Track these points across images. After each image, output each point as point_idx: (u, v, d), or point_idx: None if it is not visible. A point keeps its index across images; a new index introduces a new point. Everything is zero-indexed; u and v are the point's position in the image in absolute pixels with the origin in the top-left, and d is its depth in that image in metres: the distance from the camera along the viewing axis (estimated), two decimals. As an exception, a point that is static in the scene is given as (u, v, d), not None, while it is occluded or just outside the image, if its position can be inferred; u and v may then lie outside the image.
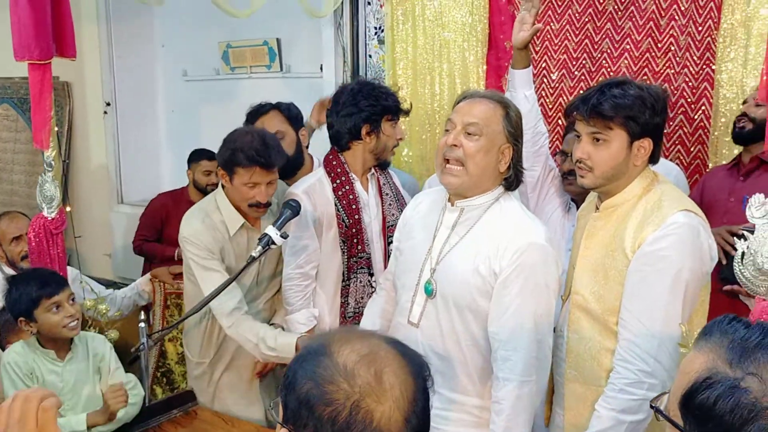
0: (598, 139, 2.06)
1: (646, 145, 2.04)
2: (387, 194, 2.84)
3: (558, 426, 2.25)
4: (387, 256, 2.74)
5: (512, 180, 2.17)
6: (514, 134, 2.13)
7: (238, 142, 2.68)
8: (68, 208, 3.30)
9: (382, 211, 2.83)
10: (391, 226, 2.71)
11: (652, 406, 1.15)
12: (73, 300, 2.60)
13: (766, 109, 1.87)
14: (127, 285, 3.64)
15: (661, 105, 2.05)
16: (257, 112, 3.25)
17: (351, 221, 2.76)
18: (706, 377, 1.03)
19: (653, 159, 2.10)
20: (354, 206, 2.77)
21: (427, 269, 2.22)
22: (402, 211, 2.60)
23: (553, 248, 2.10)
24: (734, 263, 1.87)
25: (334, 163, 2.82)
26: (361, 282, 2.80)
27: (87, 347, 2.66)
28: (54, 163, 2.96)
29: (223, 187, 2.84)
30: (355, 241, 2.77)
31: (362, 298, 2.79)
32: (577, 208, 2.71)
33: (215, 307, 2.74)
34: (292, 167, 3.13)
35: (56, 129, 2.99)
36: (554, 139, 3.61)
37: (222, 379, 2.98)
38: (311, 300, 2.86)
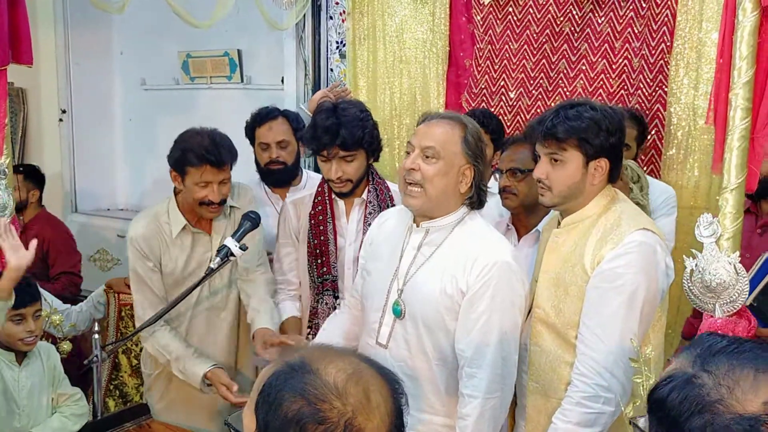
0: (555, 160, 2.11)
1: (602, 164, 2.10)
2: (370, 225, 2.66)
3: (521, 436, 2.29)
4: None
5: (475, 200, 2.19)
6: (474, 155, 2.14)
7: (188, 142, 2.68)
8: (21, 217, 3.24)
9: (361, 240, 2.71)
10: None
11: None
12: (37, 316, 2.60)
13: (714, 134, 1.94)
14: (85, 300, 3.59)
15: (616, 126, 2.11)
16: (266, 115, 3.28)
17: (317, 241, 2.75)
18: (666, 376, 1.07)
19: (612, 178, 2.15)
20: (322, 227, 2.75)
21: (395, 290, 2.23)
22: None
23: (518, 266, 2.14)
24: (683, 280, 1.93)
25: (324, 181, 2.80)
26: (327, 304, 2.78)
27: (41, 357, 2.64)
28: (7, 170, 2.91)
29: (174, 190, 2.81)
30: (319, 261, 2.77)
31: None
32: (517, 228, 2.76)
33: (138, 317, 2.76)
34: (289, 177, 3.15)
35: (10, 136, 2.94)
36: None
37: (175, 391, 2.94)
38: (297, 300, 2.86)
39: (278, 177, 3.28)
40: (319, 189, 2.81)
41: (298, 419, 1.08)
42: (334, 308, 2.75)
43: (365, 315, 2.37)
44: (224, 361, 2.91)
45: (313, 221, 2.77)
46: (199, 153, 2.63)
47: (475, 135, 2.16)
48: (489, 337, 2.08)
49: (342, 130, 2.54)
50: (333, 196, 2.76)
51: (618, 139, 2.12)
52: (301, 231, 2.82)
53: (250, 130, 3.32)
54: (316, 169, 3.33)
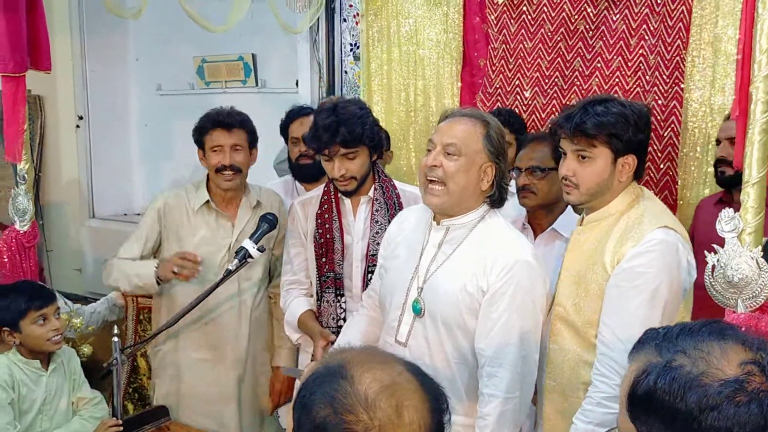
0: (583, 157, 2.09)
1: (630, 161, 2.07)
2: (378, 222, 2.72)
3: (539, 436, 2.27)
4: (366, 282, 2.71)
5: (496, 198, 2.19)
6: (496, 152, 2.14)
7: (206, 114, 2.93)
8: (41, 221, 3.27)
9: (369, 237, 2.75)
10: (374, 255, 2.67)
11: None
12: (58, 315, 2.63)
13: (737, 130, 1.92)
14: (97, 300, 3.60)
15: (644, 122, 2.09)
16: (298, 111, 3.43)
17: (323, 240, 2.76)
18: (642, 371, 1.10)
19: (638, 174, 2.14)
20: (328, 225, 2.76)
21: (414, 288, 2.23)
22: None
23: (539, 265, 2.13)
24: (705, 276, 1.91)
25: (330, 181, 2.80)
26: (328, 302, 2.78)
27: (64, 362, 2.67)
28: (27, 176, 2.94)
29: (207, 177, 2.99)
30: (323, 260, 2.77)
31: (332, 318, 2.77)
32: (533, 226, 2.75)
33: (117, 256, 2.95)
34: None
35: (29, 142, 2.97)
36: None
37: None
38: (310, 299, 2.87)
39: (307, 172, 3.32)
40: (326, 188, 2.82)
41: (324, 427, 1.08)
42: (338, 305, 2.76)
43: (384, 313, 2.37)
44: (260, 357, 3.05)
45: (319, 220, 2.78)
46: (211, 118, 2.89)
47: (497, 132, 2.15)
48: (509, 336, 2.07)
49: (341, 127, 2.55)
50: (339, 195, 2.77)
51: (646, 136, 2.10)
52: (309, 231, 2.83)
53: (284, 128, 3.45)
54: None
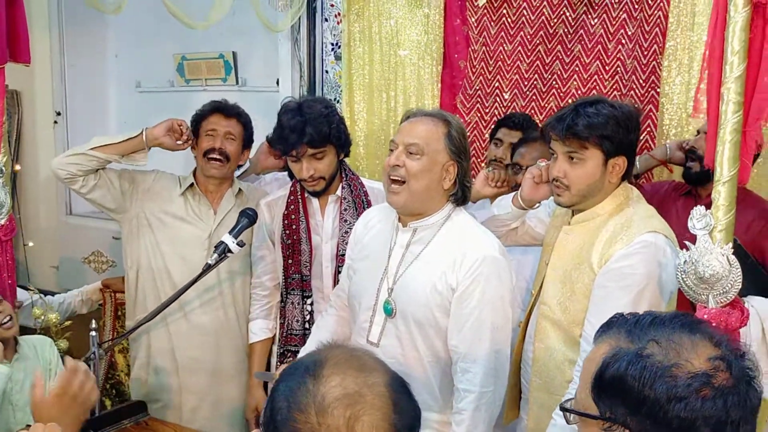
0: (573, 158, 2.11)
1: (620, 162, 2.11)
2: (347, 221, 2.73)
3: (521, 431, 2.30)
4: (336, 282, 2.72)
5: (459, 196, 2.21)
6: (457, 151, 2.16)
7: (206, 103, 3.02)
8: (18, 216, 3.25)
9: (338, 237, 2.77)
10: (343, 255, 2.68)
11: (562, 408, 1.22)
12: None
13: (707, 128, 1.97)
14: (72, 290, 3.57)
15: (634, 123, 2.13)
16: None
17: (290, 241, 2.76)
18: (612, 355, 1.13)
19: (627, 175, 2.17)
20: (294, 226, 2.76)
21: (385, 289, 2.25)
22: None
23: (506, 260, 2.16)
24: (676, 272, 1.96)
25: (296, 181, 2.82)
26: (293, 303, 2.79)
27: (36, 351, 2.64)
28: (5, 168, 2.92)
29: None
30: (290, 261, 2.77)
31: (296, 321, 2.79)
32: None
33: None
34: None
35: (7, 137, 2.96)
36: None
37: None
38: (271, 311, 2.88)
39: None
40: (292, 189, 2.82)
41: (274, 419, 1.08)
42: (302, 307, 2.77)
43: (354, 315, 2.38)
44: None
45: (286, 221, 2.79)
46: (211, 105, 3.02)
47: (458, 132, 2.17)
48: (481, 332, 2.11)
49: (308, 127, 2.56)
50: (306, 194, 2.77)
51: (635, 137, 2.14)
52: (276, 232, 2.83)
53: None
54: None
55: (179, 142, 2.90)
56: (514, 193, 2.48)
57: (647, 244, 2.02)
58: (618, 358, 1.12)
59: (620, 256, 2.02)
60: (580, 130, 2.08)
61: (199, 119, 2.99)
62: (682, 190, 3.00)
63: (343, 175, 2.76)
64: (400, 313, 2.21)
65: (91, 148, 2.84)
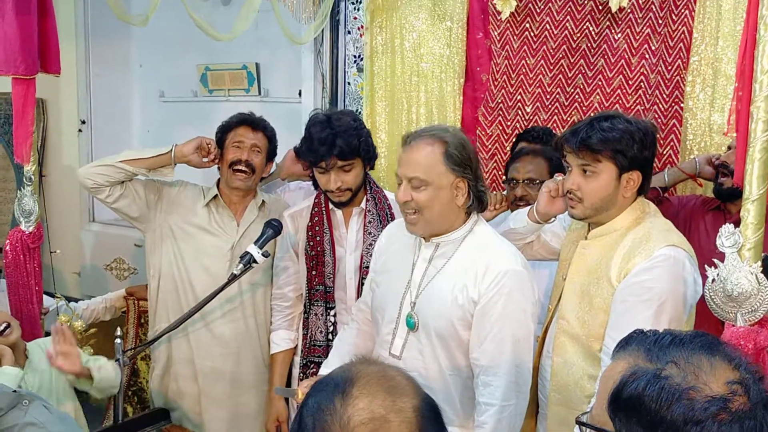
0: (587, 171, 2.12)
1: (635, 177, 2.11)
2: (371, 233, 2.74)
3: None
4: (359, 295, 2.72)
5: (475, 206, 2.21)
6: (461, 166, 2.14)
7: (233, 115, 3.04)
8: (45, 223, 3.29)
9: (362, 249, 2.77)
10: (367, 267, 2.69)
11: (578, 422, 1.22)
12: None
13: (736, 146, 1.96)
14: (96, 297, 3.60)
15: (650, 139, 2.12)
16: None
17: (313, 253, 2.78)
18: (630, 374, 1.12)
19: (643, 190, 2.17)
20: (318, 238, 2.77)
21: (408, 302, 2.25)
22: None
23: (528, 273, 2.16)
24: (705, 290, 1.95)
25: (321, 192, 2.83)
26: (316, 315, 2.80)
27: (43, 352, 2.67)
28: (33, 177, 2.97)
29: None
30: (313, 273, 2.79)
31: (319, 331, 2.80)
32: None
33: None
34: None
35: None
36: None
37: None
38: (293, 322, 2.89)
39: None
40: (316, 200, 2.83)
41: None
42: (326, 318, 2.78)
43: (377, 327, 2.39)
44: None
45: (310, 233, 2.80)
46: (239, 116, 3.04)
47: (458, 146, 2.14)
48: (503, 345, 2.11)
49: (338, 140, 2.57)
50: (330, 206, 2.78)
51: (651, 153, 2.13)
52: (299, 243, 2.85)
53: None
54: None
55: (205, 160, 2.93)
56: (529, 207, 2.48)
57: (667, 258, 2.02)
58: (636, 377, 1.12)
59: (640, 270, 2.02)
60: (594, 143, 2.09)
61: (225, 130, 3.01)
62: (710, 206, 2.99)
63: (368, 188, 2.77)
64: (422, 326, 2.22)
65: (120, 161, 2.87)
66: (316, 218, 2.79)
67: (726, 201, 2.90)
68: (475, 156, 2.20)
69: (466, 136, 2.22)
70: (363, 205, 2.76)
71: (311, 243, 2.77)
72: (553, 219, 2.43)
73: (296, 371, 2.89)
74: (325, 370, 2.47)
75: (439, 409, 1.15)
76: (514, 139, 3.59)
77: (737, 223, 2.81)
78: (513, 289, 2.11)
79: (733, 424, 1.05)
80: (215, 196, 3.00)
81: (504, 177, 3.17)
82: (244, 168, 2.91)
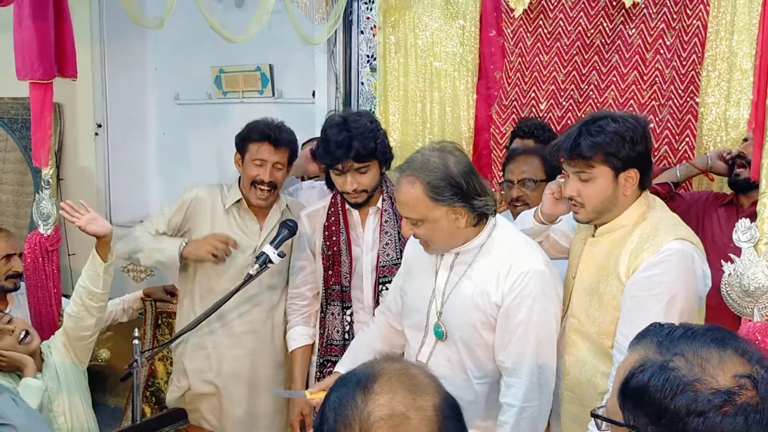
0: (583, 177, 2.12)
1: (632, 175, 2.10)
2: (387, 233, 2.75)
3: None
4: (377, 294, 2.74)
5: (482, 217, 2.18)
6: (450, 195, 2.10)
7: (256, 123, 2.94)
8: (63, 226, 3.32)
9: (378, 249, 2.77)
10: (384, 266, 2.71)
11: (593, 414, 1.23)
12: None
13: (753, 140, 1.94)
14: (114, 299, 3.63)
15: (641, 134, 2.10)
16: None
17: (330, 252, 2.78)
18: (639, 365, 1.14)
19: (644, 185, 2.16)
20: (335, 237, 2.78)
21: (434, 311, 2.27)
22: (401, 252, 2.62)
23: (551, 272, 2.16)
24: (721, 285, 1.94)
25: (337, 192, 2.83)
26: (333, 314, 2.81)
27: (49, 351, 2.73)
28: (51, 180, 2.99)
29: (239, 179, 3.00)
30: (330, 272, 2.79)
31: (336, 331, 2.80)
32: None
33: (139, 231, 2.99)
34: None
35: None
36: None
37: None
38: (310, 319, 2.89)
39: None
40: (332, 200, 2.84)
41: (321, 428, 1.10)
42: (342, 318, 2.79)
43: (406, 334, 2.42)
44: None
45: (326, 233, 2.81)
46: (261, 130, 2.89)
47: (442, 176, 2.10)
48: (525, 347, 2.11)
49: (354, 142, 2.57)
50: (347, 206, 2.79)
51: (645, 147, 2.12)
52: (316, 243, 2.85)
53: None
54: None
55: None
56: (535, 208, 2.48)
57: (675, 252, 2.01)
58: (644, 368, 1.13)
59: (649, 264, 2.02)
60: (584, 150, 2.08)
61: (246, 140, 2.93)
62: (722, 200, 2.97)
63: (384, 188, 2.78)
64: (449, 336, 2.23)
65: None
66: (333, 218, 2.80)
67: (741, 192, 2.89)
68: (467, 172, 2.13)
69: (456, 153, 2.17)
70: (379, 204, 2.77)
71: (328, 243, 2.78)
72: (559, 219, 2.42)
73: (313, 370, 2.90)
74: (340, 368, 2.48)
75: (461, 409, 1.15)
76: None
77: (751, 217, 2.82)
78: (535, 290, 2.11)
79: (738, 416, 1.05)
80: (238, 200, 2.98)
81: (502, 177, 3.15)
82: (266, 187, 2.89)
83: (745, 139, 2.93)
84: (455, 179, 2.11)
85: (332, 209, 2.81)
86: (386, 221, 2.75)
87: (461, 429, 1.14)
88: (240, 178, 3.01)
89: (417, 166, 2.14)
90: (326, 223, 2.80)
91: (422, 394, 1.11)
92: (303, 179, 3.51)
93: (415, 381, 1.12)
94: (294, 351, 2.89)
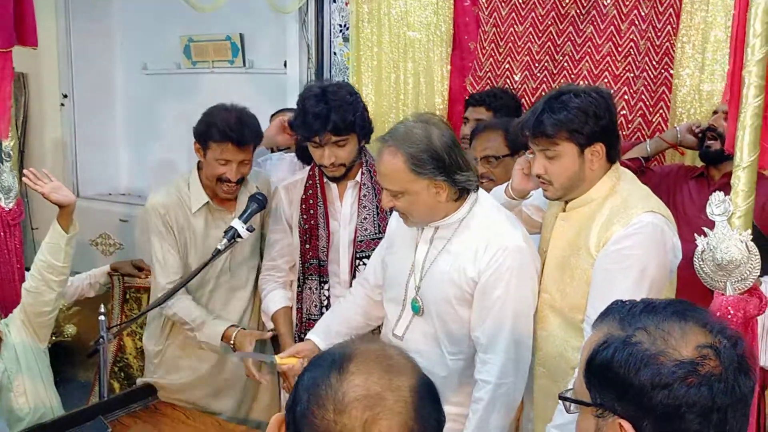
0: (548, 155, 2.09)
1: (598, 149, 2.07)
2: (365, 207, 2.69)
3: (528, 419, 2.29)
4: (353, 268, 2.70)
5: (463, 192, 2.16)
6: (432, 168, 2.07)
7: (215, 117, 2.69)
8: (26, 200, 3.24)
9: (356, 223, 2.72)
10: (361, 241, 2.67)
11: (560, 397, 1.24)
12: None
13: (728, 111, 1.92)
14: (80, 274, 3.56)
15: (604, 107, 2.07)
16: None
17: (307, 226, 2.74)
18: (602, 342, 1.14)
19: (612, 158, 2.13)
20: (312, 211, 2.73)
21: (412, 286, 2.25)
22: (380, 227, 2.60)
23: (530, 247, 2.14)
24: (694, 259, 1.93)
25: (315, 165, 2.76)
26: (311, 289, 2.77)
27: (8, 331, 2.67)
28: (12, 153, 2.91)
29: (198, 164, 2.83)
30: (307, 246, 2.75)
31: (314, 306, 2.76)
32: None
33: (160, 287, 2.75)
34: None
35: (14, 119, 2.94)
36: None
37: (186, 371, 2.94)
38: (287, 286, 2.84)
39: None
40: (310, 173, 2.78)
41: (294, 409, 1.07)
42: (320, 293, 2.74)
43: (384, 306, 2.40)
44: None
45: (303, 206, 2.75)
46: (222, 129, 2.64)
47: (425, 149, 2.07)
48: (503, 322, 2.10)
49: (333, 114, 2.50)
50: (325, 180, 2.74)
51: (609, 120, 2.08)
52: (293, 216, 2.80)
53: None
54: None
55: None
56: (506, 184, 2.45)
57: (646, 224, 1.99)
58: (607, 345, 1.13)
59: (619, 237, 1.99)
60: (546, 128, 2.05)
61: (206, 137, 2.69)
62: (693, 173, 2.97)
63: (363, 161, 2.72)
64: (426, 310, 2.22)
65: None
66: (310, 191, 2.75)
67: (711, 164, 2.88)
68: (450, 146, 2.10)
69: (440, 125, 2.14)
70: (358, 178, 2.71)
71: (305, 216, 2.73)
72: (530, 194, 2.40)
73: None
74: (312, 336, 2.46)
75: (437, 391, 1.13)
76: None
77: (721, 189, 2.81)
78: (513, 265, 2.10)
79: (702, 386, 1.06)
80: (206, 203, 2.82)
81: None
82: (233, 183, 2.74)
83: (715, 111, 2.91)
84: (438, 152, 2.08)
85: (310, 182, 2.76)
86: (365, 195, 2.70)
87: (437, 410, 1.11)
88: (199, 166, 2.83)
89: (400, 137, 2.10)
90: (303, 196, 2.75)
91: (398, 375, 1.08)
92: (273, 151, 3.44)
93: (391, 362, 1.10)
94: (276, 313, 2.79)
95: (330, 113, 2.50)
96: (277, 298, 2.82)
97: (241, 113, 2.72)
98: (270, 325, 2.85)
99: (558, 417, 2.01)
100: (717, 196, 1.90)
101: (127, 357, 3.61)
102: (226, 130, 2.64)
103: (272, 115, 3.61)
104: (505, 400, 2.12)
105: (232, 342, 2.71)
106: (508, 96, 3.38)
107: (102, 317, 2.59)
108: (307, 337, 2.49)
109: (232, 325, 2.74)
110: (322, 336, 2.45)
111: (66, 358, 3.74)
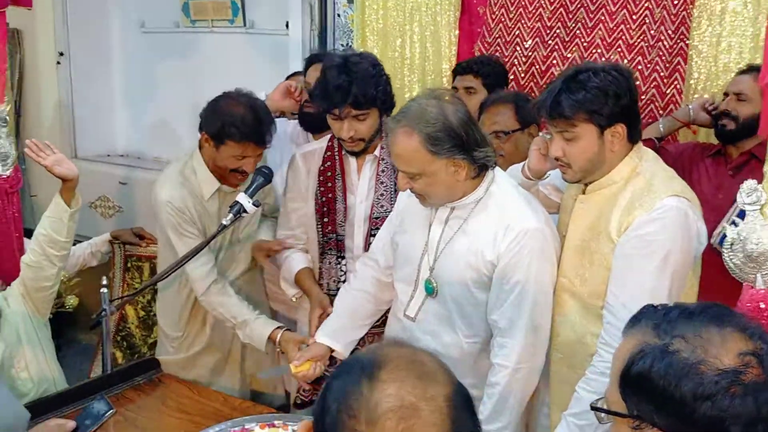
0: (567, 137, 2.02)
1: (619, 130, 2.00)
2: (383, 183, 2.62)
3: (543, 404, 2.27)
4: (367, 245, 2.62)
5: (482, 169, 2.10)
6: (450, 147, 2.01)
7: (230, 115, 2.57)
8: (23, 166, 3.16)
9: (373, 199, 2.65)
10: (377, 218, 2.60)
11: (593, 407, 1.20)
12: None
13: (764, 98, 1.83)
14: (81, 243, 3.51)
15: (625, 87, 1.99)
16: (315, 56, 3.29)
17: (324, 199, 2.67)
18: (638, 351, 1.10)
19: (633, 138, 2.06)
20: (330, 184, 2.66)
21: (426, 266, 2.21)
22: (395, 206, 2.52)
23: (550, 230, 2.09)
24: (723, 250, 1.88)
25: (334, 138, 2.68)
26: (330, 263, 2.71)
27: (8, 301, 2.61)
28: (8, 118, 2.83)
29: (200, 148, 2.73)
30: (325, 220, 2.69)
31: (333, 281, 2.71)
32: None
33: (189, 272, 2.67)
34: (322, 124, 2.82)
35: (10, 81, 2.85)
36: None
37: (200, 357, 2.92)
38: (306, 252, 2.78)
39: (312, 122, 3.12)
40: (329, 144, 2.70)
41: (323, 417, 1.02)
42: (339, 268, 2.70)
43: (395, 286, 2.35)
44: None
45: (321, 177, 2.68)
46: (243, 130, 2.56)
47: (441, 127, 2.00)
48: (522, 307, 2.06)
49: (354, 87, 2.40)
50: (344, 152, 2.66)
51: (630, 100, 2.01)
52: (310, 186, 2.73)
53: (304, 73, 3.29)
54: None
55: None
56: (523, 163, 2.38)
57: (669, 209, 1.92)
58: (644, 354, 1.09)
59: (642, 222, 1.93)
60: (564, 109, 1.97)
61: (223, 135, 2.59)
62: (709, 151, 2.90)
63: (384, 135, 2.63)
64: (440, 292, 2.18)
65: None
66: (329, 163, 2.67)
67: (728, 143, 2.82)
68: (467, 122, 2.04)
69: (454, 100, 2.08)
70: (377, 152, 2.63)
71: (322, 189, 2.66)
72: (546, 175, 2.33)
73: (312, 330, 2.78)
74: (320, 337, 2.44)
75: (471, 398, 1.08)
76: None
77: (739, 167, 2.77)
78: (534, 249, 2.05)
79: (747, 396, 1.03)
80: (217, 189, 2.74)
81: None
82: (246, 174, 2.67)
83: (726, 93, 2.85)
84: (455, 130, 2.01)
85: (328, 153, 2.68)
86: (383, 171, 2.63)
87: (473, 419, 1.06)
88: (202, 153, 2.72)
89: (414, 116, 2.03)
90: (322, 168, 2.68)
91: (432, 383, 1.02)
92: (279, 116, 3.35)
93: (424, 369, 1.04)
94: (299, 272, 2.72)
95: (351, 86, 2.40)
96: (299, 259, 2.75)
97: (256, 109, 2.62)
98: (291, 293, 2.79)
99: (575, 405, 1.98)
100: (749, 184, 1.83)
101: (129, 326, 3.57)
102: (247, 131, 2.56)
103: (287, 78, 3.52)
104: (521, 385, 2.10)
105: (277, 344, 2.63)
106: (494, 62, 3.31)
107: (104, 290, 2.55)
108: (317, 340, 2.44)
109: (277, 327, 2.66)
110: (332, 336, 2.42)
111: (68, 323, 3.71)
